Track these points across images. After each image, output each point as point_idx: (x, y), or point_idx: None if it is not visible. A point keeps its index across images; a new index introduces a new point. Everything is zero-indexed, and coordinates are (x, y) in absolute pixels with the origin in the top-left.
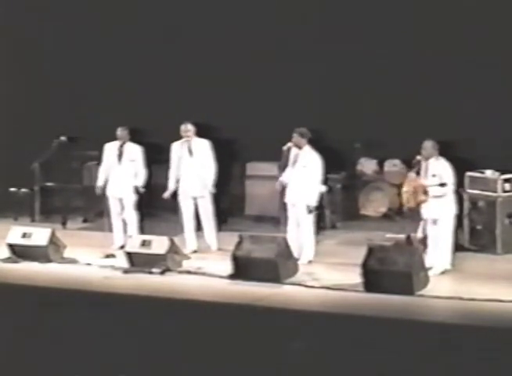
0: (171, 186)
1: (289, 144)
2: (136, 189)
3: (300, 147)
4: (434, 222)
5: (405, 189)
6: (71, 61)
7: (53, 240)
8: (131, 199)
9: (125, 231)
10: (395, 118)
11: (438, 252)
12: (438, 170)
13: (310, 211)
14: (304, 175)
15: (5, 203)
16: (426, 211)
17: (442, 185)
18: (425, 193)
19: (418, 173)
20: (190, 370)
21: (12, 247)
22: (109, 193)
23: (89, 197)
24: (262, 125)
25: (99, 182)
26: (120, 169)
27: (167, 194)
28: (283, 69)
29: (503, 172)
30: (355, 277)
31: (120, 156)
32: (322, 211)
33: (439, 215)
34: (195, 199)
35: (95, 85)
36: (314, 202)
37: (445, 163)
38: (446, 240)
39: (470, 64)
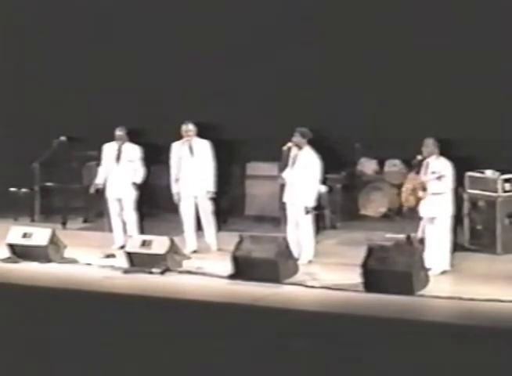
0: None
1: (289, 144)
2: (135, 186)
3: (300, 147)
4: (432, 220)
5: (404, 187)
6: (71, 61)
7: (53, 240)
8: (130, 199)
9: (125, 231)
10: (395, 118)
11: (437, 253)
12: (438, 167)
13: (308, 212)
14: (302, 175)
15: (5, 203)
16: (424, 209)
17: (440, 178)
18: (424, 189)
19: (418, 173)
20: (190, 370)
21: (12, 247)
22: (108, 194)
23: (89, 197)
24: (262, 125)
25: (98, 181)
26: (119, 170)
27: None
28: (283, 69)
29: (503, 172)
30: (355, 277)
31: (118, 156)
32: (322, 211)
33: (437, 213)
34: (195, 199)
35: (95, 85)
36: (312, 203)
37: (445, 161)
38: (444, 240)
39: (471, 64)
